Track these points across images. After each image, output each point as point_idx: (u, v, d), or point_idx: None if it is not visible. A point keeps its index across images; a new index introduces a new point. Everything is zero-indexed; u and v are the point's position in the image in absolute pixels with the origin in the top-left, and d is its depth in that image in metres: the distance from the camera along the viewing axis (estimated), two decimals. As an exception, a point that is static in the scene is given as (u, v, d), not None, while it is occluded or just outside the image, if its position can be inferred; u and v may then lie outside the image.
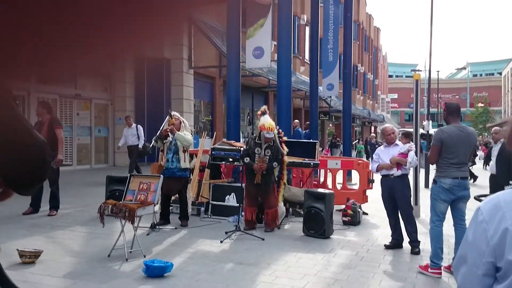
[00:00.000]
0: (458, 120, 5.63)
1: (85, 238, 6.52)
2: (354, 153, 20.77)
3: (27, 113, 13.71)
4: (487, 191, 9.12)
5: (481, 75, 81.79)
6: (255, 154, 7.08)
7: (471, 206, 6.78)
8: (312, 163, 7.97)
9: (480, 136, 49.89)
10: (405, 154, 6.36)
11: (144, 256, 5.43)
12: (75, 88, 15.46)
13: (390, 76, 75.06)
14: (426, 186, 13.28)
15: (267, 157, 7.06)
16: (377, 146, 27.70)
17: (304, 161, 7.85)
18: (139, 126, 12.38)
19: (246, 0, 11.50)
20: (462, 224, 5.50)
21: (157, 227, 6.96)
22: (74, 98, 15.68)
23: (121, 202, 5.74)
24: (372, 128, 47.25)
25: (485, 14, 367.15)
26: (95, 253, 5.65)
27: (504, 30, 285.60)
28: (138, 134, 12.12)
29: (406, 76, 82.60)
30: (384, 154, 6.50)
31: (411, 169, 6.98)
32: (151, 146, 7.53)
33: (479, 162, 22.74)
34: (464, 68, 56.28)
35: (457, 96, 67.54)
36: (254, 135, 7.46)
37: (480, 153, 26.90)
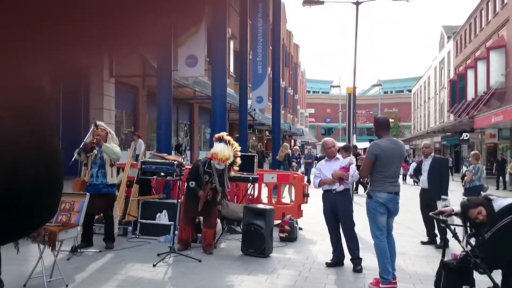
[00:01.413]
0: (389, 133, 5.70)
1: (-7, 266, 5.60)
2: (266, 166, 20.64)
3: None
4: (410, 205, 9.24)
5: (391, 92, 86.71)
6: (203, 181, 6.54)
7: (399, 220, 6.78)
8: (251, 177, 7.61)
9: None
10: (346, 168, 6.24)
11: (66, 286, 4.75)
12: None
13: (308, 91, 77.36)
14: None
15: (214, 185, 6.58)
16: (296, 160, 28.28)
17: (243, 175, 7.47)
18: None
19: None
20: (391, 236, 5.54)
21: (78, 250, 6.23)
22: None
23: (39, 224, 4.97)
24: (292, 142, 48.20)
25: (394, 34, 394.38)
26: (8, 283, 4.82)
27: (412, 50, 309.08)
28: None
29: (322, 92, 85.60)
30: (325, 169, 6.33)
31: None
32: (73, 159, 6.68)
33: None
34: (379, 84, 59.58)
35: (370, 112, 70.97)
36: (203, 159, 6.73)
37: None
